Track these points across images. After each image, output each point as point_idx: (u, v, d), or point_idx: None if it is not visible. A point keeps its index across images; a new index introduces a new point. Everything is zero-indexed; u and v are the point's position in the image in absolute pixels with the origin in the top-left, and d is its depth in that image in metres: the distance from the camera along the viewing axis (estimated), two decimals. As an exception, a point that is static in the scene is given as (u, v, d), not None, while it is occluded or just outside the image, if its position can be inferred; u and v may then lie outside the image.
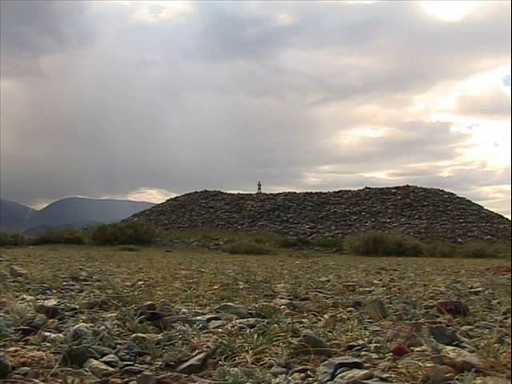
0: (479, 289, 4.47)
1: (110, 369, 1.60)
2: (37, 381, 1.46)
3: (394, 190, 45.11)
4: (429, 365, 1.55)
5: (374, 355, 1.77)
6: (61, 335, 1.95)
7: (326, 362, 1.61)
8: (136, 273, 6.18)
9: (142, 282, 4.42)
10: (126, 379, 1.53)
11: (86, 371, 1.55)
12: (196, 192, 49.40)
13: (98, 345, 1.79)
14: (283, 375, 1.52)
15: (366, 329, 2.29)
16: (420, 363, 1.57)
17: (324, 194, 46.46)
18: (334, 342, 1.98)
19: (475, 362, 1.56)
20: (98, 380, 1.49)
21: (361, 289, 4.37)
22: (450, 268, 10.29)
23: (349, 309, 3.04)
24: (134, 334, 2.02)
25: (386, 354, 1.76)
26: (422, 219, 39.97)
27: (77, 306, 2.74)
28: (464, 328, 2.34)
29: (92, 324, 2.12)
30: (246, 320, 2.44)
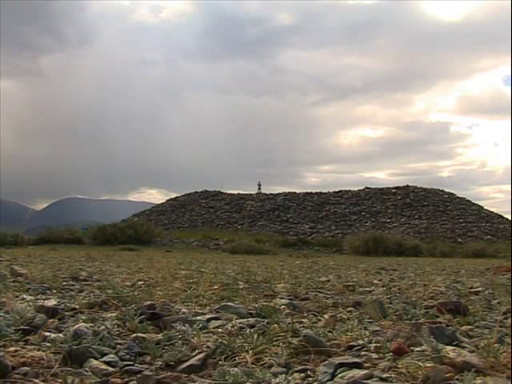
0: (479, 289, 4.46)
1: (110, 369, 1.60)
2: (37, 381, 1.46)
3: (394, 190, 45.11)
4: (429, 365, 1.55)
5: (374, 355, 1.77)
6: (61, 335, 1.95)
7: (326, 362, 1.61)
8: (136, 273, 6.18)
9: (141, 282, 4.42)
10: (125, 379, 1.53)
11: (86, 371, 1.55)
12: (196, 192, 49.40)
13: (98, 345, 1.79)
14: (283, 375, 1.52)
15: (365, 329, 2.29)
16: (420, 363, 1.57)
17: (324, 193, 46.47)
18: (334, 341, 1.98)
19: (475, 361, 1.56)
20: (98, 380, 1.49)
21: (361, 289, 4.37)
22: (450, 268, 10.29)
23: (349, 309, 3.04)
24: (134, 334, 2.02)
25: (386, 354, 1.76)
26: (422, 219, 39.97)
27: (77, 306, 2.74)
28: (464, 328, 2.34)
29: (92, 324, 2.12)
30: (246, 320, 2.44)
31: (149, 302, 2.68)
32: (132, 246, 25.97)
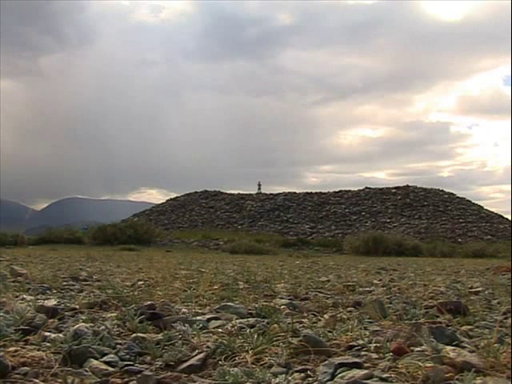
0: (479, 289, 4.46)
1: (110, 369, 1.60)
2: (37, 381, 1.46)
3: (394, 190, 45.11)
4: (429, 365, 1.55)
5: (374, 355, 1.77)
6: (61, 335, 1.95)
7: (326, 362, 1.61)
8: (136, 273, 6.18)
9: (141, 282, 4.42)
10: (125, 379, 1.53)
11: (86, 371, 1.55)
12: (196, 192, 49.40)
13: (98, 345, 1.79)
14: (283, 375, 1.52)
15: (366, 329, 2.29)
16: (420, 363, 1.57)
17: (324, 193, 46.47)
18: (334, 341, 1.98)
19: (475, 361, 1.56)
20: (98, 380, 1.49)
21: (361, 289, 4.37)
22: (450, 268, 10.28)
23: (349, 309, 3.04)
24: (134, 334, 2.02)
25: (386, 354, 1.76)
26: (422, 219, 39.97)
27: (77, 306, 2.74)
28: (464, 328, 2.34)
29: (92, 324, 2.12)
30: (246, 320, 2.44)
31: (149, 302, 2.67)
32: (132, 246, 25.97)
